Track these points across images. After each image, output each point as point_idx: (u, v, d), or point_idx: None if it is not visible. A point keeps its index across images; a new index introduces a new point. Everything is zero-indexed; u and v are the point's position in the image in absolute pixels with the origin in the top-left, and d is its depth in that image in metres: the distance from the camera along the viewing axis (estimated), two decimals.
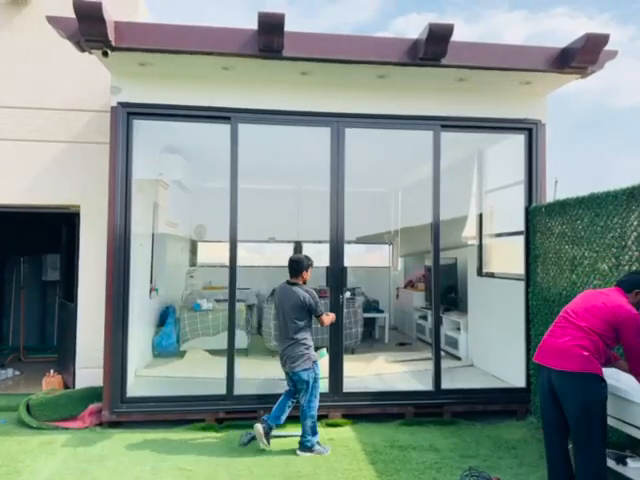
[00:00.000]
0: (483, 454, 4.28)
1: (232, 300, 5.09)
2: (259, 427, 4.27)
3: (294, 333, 4.31)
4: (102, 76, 5.27)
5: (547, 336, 3.37)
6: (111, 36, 4.24)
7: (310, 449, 4.30)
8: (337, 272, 5.20)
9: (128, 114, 4.91)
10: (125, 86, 4.91)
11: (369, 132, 5.42)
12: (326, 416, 4.92)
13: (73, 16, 4.11)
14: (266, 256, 10.90)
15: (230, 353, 5.03)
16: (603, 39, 4.55)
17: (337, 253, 5.14)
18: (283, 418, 4.46)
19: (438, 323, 5.38)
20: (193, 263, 9.87)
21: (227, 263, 5.08)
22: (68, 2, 4.09)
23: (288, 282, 4.51)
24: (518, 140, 5.47)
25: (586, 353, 3.07)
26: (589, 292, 3.48)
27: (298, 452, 4.30)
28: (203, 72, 4.87)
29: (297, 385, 4.38)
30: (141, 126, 5.09)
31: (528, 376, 5.23)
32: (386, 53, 4.61)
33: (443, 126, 5.28)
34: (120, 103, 4.89)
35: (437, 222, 5.27)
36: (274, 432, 4.45)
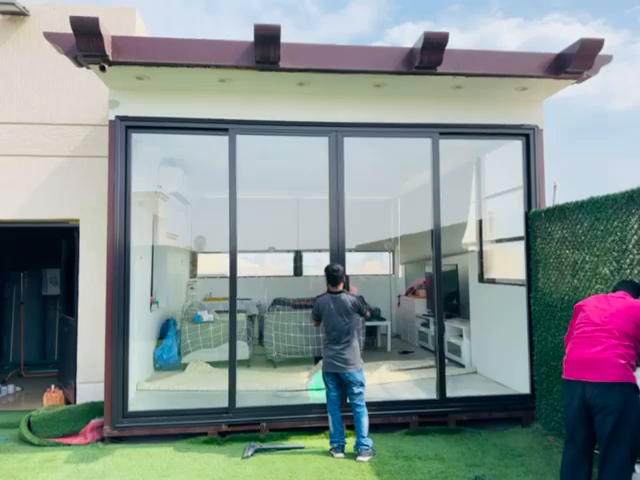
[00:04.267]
0: (489, 463, 4.24)
1: (233, 311, 5.06)
2: (340, 455, 4.41)
3: (348, 337, 4.47)
4: (100, 90, 5.30)
5: (573, 349, 3.25)
6: (108, 51, 4.26)
7: (373, 451, 4.38)
8: None
9: (126, 127, 4.92)
10: (123, 100, 4.93)
11: (368, 141, 5.44)
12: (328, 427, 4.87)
13: (70, 32, 4.13)
14: (266, 266, 10.89)
15: (232, 366, 5.00)
16: (598, 44, 4.57)
17: (339, 261, 5.13)
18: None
19: (441, 331, 5.36)
20: (193, 274, 9.86)
21: (227, 274, 5.06)
22: (66, 18, 4.12)
23: (331, 292, 4.60)
24: (516, 146, 5.49)
25: (623, 361, 3.00)
26: (599, 298, 3.38)
27: (361, 459, 4.29)
28: (200, 84, 4.89)
29: (350, 386, 4.44)
30: (140, 139, 5.11)
31: (532, 382, 5.20)
32: (382, 62, 4.63)
33: (441, 133, 5.29)
34: (118, 117, 4.90)
35: (438, 229, 5.26)
36: (276, 444, 4.41)
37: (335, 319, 4.48)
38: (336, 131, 5.14)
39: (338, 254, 5.12)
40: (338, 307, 4.50)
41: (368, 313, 4.73)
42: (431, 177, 5.30)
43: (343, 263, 5.03)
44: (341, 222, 5.13)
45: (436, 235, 5.26)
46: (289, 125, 5.10)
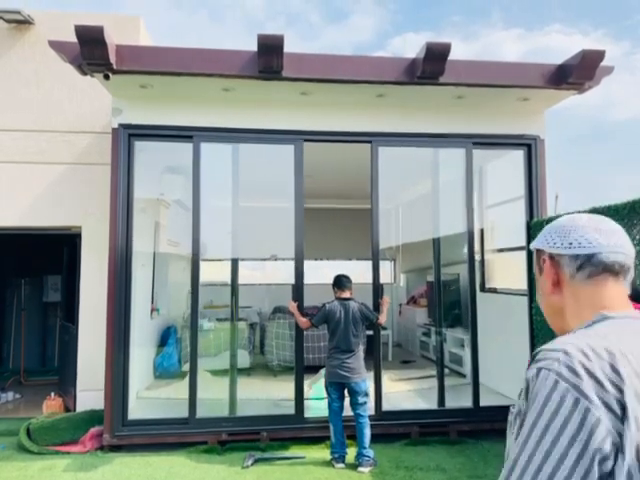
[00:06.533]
0: (491, 474, 4.20)
1: (194, 321, 4.93)
2: (341, 465, 4.38)
3: (355, 345, 4.46)
4: (103, 98, 5.32)
5: None
6: (112, 59, 4.29)
7: (374, 462, 4.33)
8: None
9: (129, 135, 4.94)
10: (126, 108, 4.95)
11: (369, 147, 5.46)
12: (329, 437, 4.84)
13: (75, 40, 4.16)
14: (267, 274, 10.87)
15: (192, 376, 4.95)
16: (599, 55, 4.59)
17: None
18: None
19: (474, 345, 5.39)
20: None
21: (229, 282, 5.07)
22: (70, 26, 4.14)
23: (341, 298, 4.62)
24: (517, 156, 5.50)
25: None
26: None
27: (362, 469, 4.25)
28: (203, 93, 4.91)
29: (355, 395, 4.40)
30: (143, 147, 5.12)
31: None
32: (385, 72, 4.66)
33: (474, 143, 5.34)
34: (121, 124, 4.92)
35: (471, 234, 5.34)
36: (276, 454, 4.40)
37: (343, 327, 4.47)
38: (373, 140, 5.19)
39: (375, 263, 5.17)
40: (347, 315, 4.49)
41: (381, 320, 4.70)
42: (464, 186, 5.35)
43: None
44: (375, 231, 5.18)
45: (470, 240, 5.35)
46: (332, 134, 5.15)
